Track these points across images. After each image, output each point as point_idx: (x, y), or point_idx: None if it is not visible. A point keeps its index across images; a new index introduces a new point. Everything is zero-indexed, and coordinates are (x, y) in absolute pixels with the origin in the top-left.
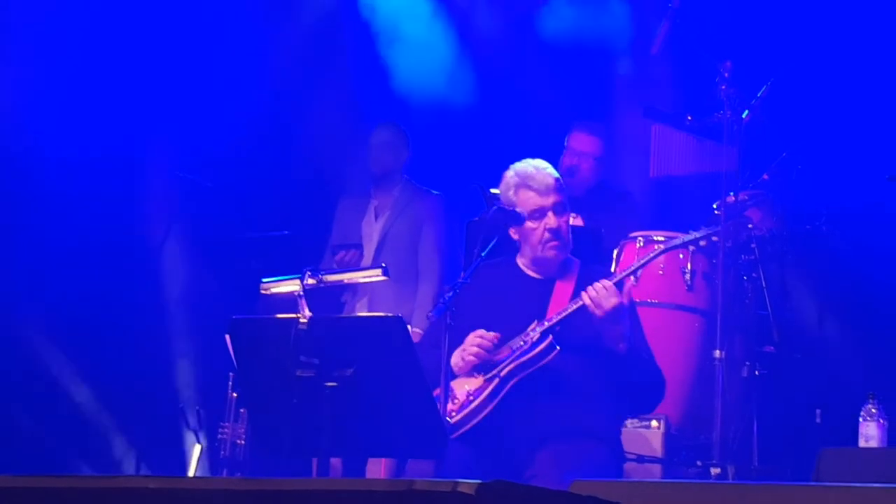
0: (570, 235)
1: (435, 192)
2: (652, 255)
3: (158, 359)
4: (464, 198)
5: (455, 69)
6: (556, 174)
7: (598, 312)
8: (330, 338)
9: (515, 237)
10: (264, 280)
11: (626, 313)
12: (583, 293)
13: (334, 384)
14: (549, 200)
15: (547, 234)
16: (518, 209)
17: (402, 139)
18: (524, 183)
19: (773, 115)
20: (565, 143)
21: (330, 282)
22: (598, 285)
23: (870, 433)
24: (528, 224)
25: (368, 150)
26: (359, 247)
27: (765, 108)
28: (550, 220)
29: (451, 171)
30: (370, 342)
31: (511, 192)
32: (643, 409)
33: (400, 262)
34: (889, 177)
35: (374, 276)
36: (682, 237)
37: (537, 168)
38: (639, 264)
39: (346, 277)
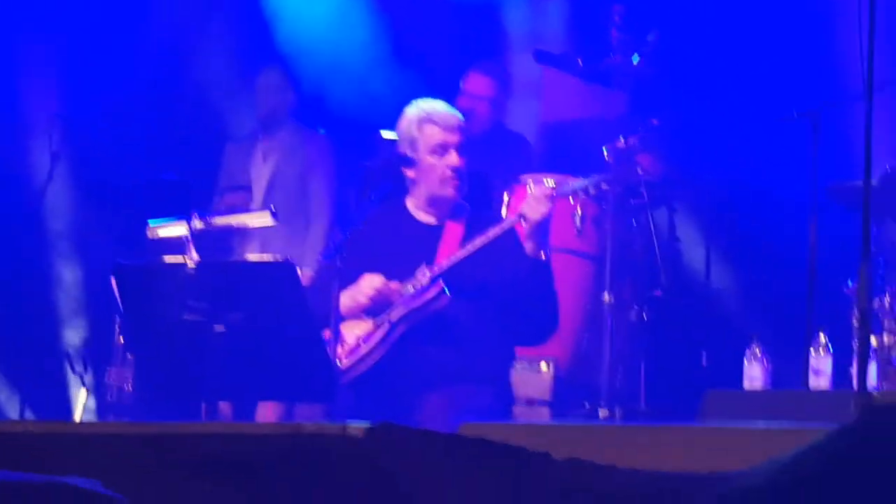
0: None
1: (322, 132)
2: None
3: (43, 303)
4: (355, 140)
5: (346, 10)
6: (459, 115)
7: (532, 216)
8: (218, 281)
9: (411, 176)
10: (151, 223)
11: (549, 225)
12: (522, 205)
13: (223, 328)
14: (454, 138)
15: (449, 172)
16: (418, 147)
17: (288, 81)
18: (429, 118)
19: (664, 60)
20: (461, 86)
21: (218, 225)
22: (534, 192)
23: (754, 375)
24: (429, 160)
25: (254, 93)
26: (248, 189)
27: (655, 53)
28: (453, 157)
29: (342, 114)
30: (259, 286)
31: (413, 128)
32: (535, 338)
33: (289, 204)
34: (775, 119)
35: (263, 218)
36: (572, 183)
37: (442, 106)
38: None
39: (235, 220)
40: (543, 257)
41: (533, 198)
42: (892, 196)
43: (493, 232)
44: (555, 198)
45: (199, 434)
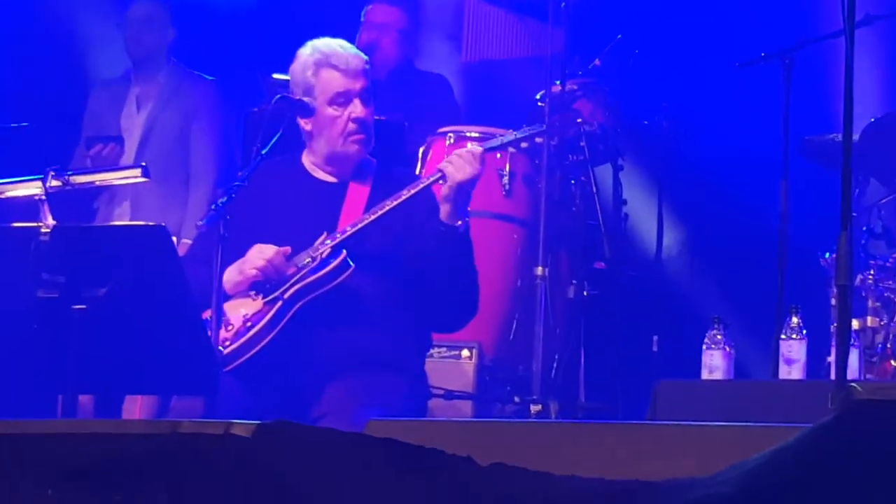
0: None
1: (209, 78)
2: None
3: None
4: (241, 85)
5: None
6: (364, 56)
7: (456, 175)
8: (78, 251)
9: (307, 128)
10: None
11: (473, 189)
12: (444, 162)
13: (83, 307)
14: (357, 84)
15: (352, 125)
16: (315, 95)
17: (166, 15)
18: (327, 61)
19: None
20: (362, 19)
21: (79, 184)
22: (462, 150)
23: (714, 363)
24: (329, 111)
25: (126, 28)
26: (118, 140)
27: None
28: (357, 107)
29: (227, 54)
30: (127, 256)
31: (310, 73)
32: (451, 324)
33: (167, 160)
34: (739, 63)
35: (133, 176)
36: (500, 137)
37: (343, 46)
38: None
39: (99, 179)
40: (461, 226)
41: (457, 155)
42: (876, 152)
43: (407, 194)
44: (483, 157)
45: (56, 434)
